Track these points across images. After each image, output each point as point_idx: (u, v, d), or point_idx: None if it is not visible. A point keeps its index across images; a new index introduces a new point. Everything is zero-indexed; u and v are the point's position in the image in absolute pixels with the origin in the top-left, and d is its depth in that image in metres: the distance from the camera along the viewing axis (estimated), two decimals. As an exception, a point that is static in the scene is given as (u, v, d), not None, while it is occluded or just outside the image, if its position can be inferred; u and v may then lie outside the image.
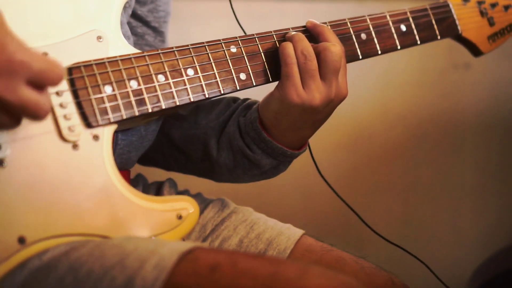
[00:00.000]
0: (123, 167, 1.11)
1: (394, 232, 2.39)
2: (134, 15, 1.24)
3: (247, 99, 1.24)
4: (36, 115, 0.79)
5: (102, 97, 0.93)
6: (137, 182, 1.25)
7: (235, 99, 1.25)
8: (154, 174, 1.33)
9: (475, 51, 1.44)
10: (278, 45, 1.11)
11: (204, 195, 1.31)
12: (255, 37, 1.10)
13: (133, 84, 0.96)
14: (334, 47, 1.07)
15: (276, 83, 1.11)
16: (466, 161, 2.61)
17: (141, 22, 1.25)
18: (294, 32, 1.11)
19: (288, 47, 1.08)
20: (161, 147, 1.26)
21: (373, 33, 1.24)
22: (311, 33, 1.14)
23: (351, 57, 1.20)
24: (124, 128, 1.06)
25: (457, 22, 1.38)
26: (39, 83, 0.79)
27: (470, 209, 2.60)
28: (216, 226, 1.22)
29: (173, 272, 0.80)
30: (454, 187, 2.57)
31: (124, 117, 0.94)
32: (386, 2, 2.11)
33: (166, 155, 1.27)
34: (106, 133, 0.93)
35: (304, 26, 1.16)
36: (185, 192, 1.30)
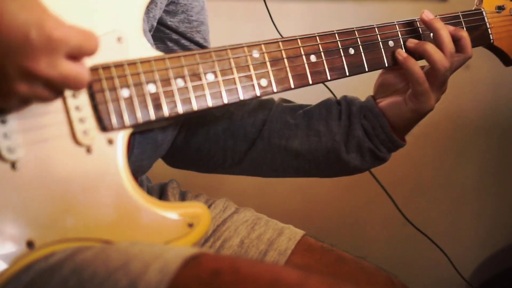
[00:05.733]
0: (134, 175, 1.09)
1: (393, 232, 2.39)
2: (166, 26, 1.22)
3: (345, 96, 1.28)
4: (77, 87, 0.82)
5: (119, 101, 0.91)
6: (141, 183, 1.24)
7: (332, 102, 1.28)
8: (157, 175, 1.32)
9: (507, 60, 1.40)
10: (302, 52, 1.08)
11: (206, 196, 1.31)
12: (279, 42, 1.07)
13: (151, 88, 0.93)
14: (446, 62, 1.17)
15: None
16: (466, 161, 2.59)
17: (174, 32, 1.24)
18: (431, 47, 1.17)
19: (416, 65, 1.17)
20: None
21: (401, 40, 1.20)
22: (425, 26, 1.21)
23: (377, 65, 1.18)
24: (138, 130, 1.04)
25: (489, 30, 1.33)
26: (78, 56, 0.81)
27: (470, 209, 2.58)
28: (218, 227, 1.22)
29: (176, 277, 0.79)
30: (454, 188, 2.55)
31: (140, 121, 0.92)
32: (386, 2, 2.05)
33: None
34: (121, 137, 0.92)
35: (409, 21, 1.21)
36: (187, 193, 1.30)
